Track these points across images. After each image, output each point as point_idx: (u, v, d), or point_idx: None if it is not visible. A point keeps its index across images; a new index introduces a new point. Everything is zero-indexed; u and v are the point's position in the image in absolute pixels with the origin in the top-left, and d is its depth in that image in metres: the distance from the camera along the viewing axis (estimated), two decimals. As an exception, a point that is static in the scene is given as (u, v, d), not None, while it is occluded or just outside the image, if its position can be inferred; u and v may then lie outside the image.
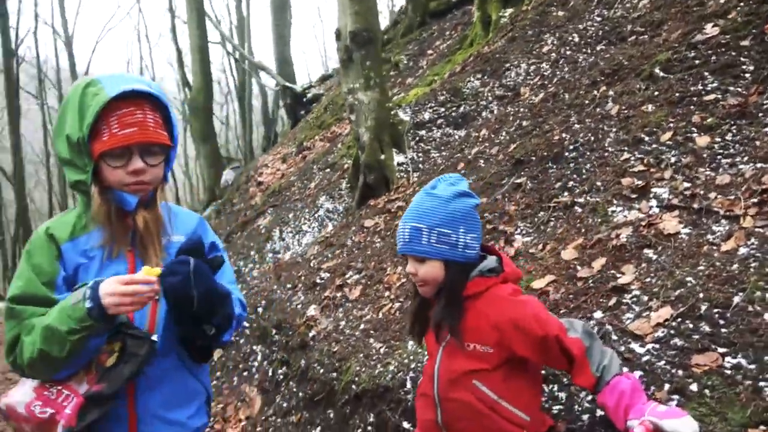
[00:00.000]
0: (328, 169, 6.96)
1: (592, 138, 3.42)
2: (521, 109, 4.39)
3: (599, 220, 2.82)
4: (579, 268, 2.57)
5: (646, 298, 2.16)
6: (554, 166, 3.48)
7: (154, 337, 1.44)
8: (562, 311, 2.36)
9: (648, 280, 2.25)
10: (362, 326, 3.29)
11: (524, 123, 4.17)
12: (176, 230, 1.62)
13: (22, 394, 1.39)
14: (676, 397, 1.71)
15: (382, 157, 5.45)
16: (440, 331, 1.64)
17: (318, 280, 4.24)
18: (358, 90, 5.54)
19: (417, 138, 5.50)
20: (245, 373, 4.11)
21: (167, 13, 15.52)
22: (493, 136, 4.45)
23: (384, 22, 13.99)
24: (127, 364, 1.39)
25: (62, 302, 1.38)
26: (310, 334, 3.58)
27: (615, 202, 2.87)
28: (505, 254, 1.74)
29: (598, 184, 3.07)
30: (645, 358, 1.89)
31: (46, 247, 1.47)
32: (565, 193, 3.21)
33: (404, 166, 5.37)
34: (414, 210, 1.62)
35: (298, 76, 19.56)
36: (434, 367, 1.64)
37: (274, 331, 4.06)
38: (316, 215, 6.00)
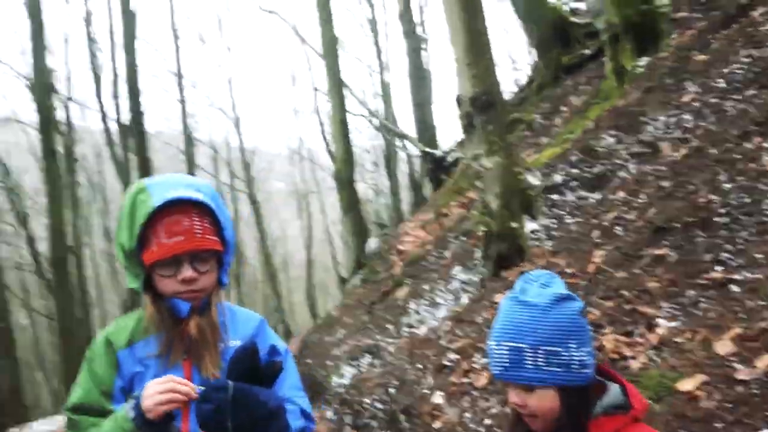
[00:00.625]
0: (464, 237, 6.82)
1: (747, 199, 2.94)
2: (661, 168, 3.94)
3: (762, 303, 2.36)
4: (738, 366, 2.13)
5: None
6: (702, 234, 3.03)
7: None
8: (717, 424, 1.95)
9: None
10: (486, 421, 3.05)
11: (665, 184, 3.73)
12: (234, 334, 1.58)
13: None
14: None
15: (513, 225, 5.21)
16: None
17: (446, 362, 4.06)
18: (481, 156, 5.41)
19: (550, 203, 5.19)
20: (376, 461, 3.99)
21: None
22: (630, 198, 4.04)
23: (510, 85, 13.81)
24: None
25: (115, 413, 1.39)
26: (435, 426, 3.39)
27: (780, 280, 2.39)
28: (627, 381, 1.34)
29: (759, 256, 2.60)
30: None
31: (104, 355, 1.49)
32: (718, 268, 2.75)
33: (537, 233, 5.06)
34: (506, 324, 1.29)
35: (442, 140, 19.95)
36: None
37: (402, 417, 3.92)
38: (450, 287, 5.85)
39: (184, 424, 1.46)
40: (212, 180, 25.51)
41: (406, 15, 14.67)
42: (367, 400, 4.76)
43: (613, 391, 1.29)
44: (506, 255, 5.22)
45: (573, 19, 9.16)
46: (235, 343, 1.56)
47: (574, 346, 1.24)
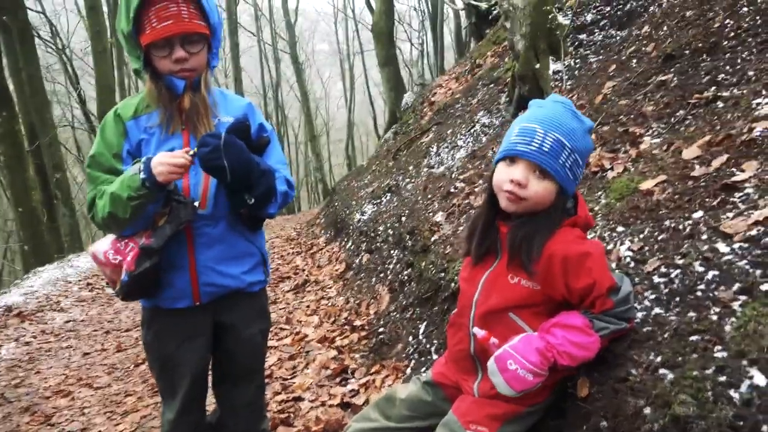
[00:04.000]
0: (492, 84, 6.76)
1: (759, 20, 2.84)
2: (689, -2, 3.76)
3: (738, 114, 2.40)
4: (697, 167, 2.24)
5: (756, 196, 1.84)
6: (708, 59, 2.98)
7: (196, 203, 1.68)
8: (661, 211, 2.10)
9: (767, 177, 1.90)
10: (475, 230, 3.29)
11: (688, 13, 3.59)
12: (226, 112, 1.81)
13: (103, 244, 1.73)
14: (742, 297, 1.47)
15: (537, 66, 5.13)
16: (491, 256, 1.55)
17: (452, 190, 4.27)
18: (512, -6, 5.21)
19: (576, 43, 5.06)
20: (381, 275, 4.38)
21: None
22: (653, 32, 3.92)
23: None
24: (170, 224, 1.65)
25: (123, 174, 1.66)
26: (432, 239, 3.68)
27: (764, 93, 2.40)
28: (582, 197, 1.58)
29: (750, 73, 2.59)
30: (726, 258, 1.64)
31: (113, 125, 1.75)
32: (712, 88, 2.75)
33: (560, 74, 5.00)
34: (557, 122, 1.44)
35: (490, -6, 18.79)
36: (473, 297, 1.57)
37: (407, 237, 4.24)
38: (472, 130, 5.93)
39: (185, 180, 1.74)
40: (255, 39, 25.14)
41: None
42: (381, 228, 5.10)
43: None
44: (527, 97, 5.20)
45: None
46: (226, 119, 1.79)
47: (582, 167, 1.49)
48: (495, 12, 13.52)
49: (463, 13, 19.14)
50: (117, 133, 1.74)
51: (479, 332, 1.49)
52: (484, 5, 13.67)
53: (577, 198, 1.53)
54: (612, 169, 2.73)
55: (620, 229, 2.16)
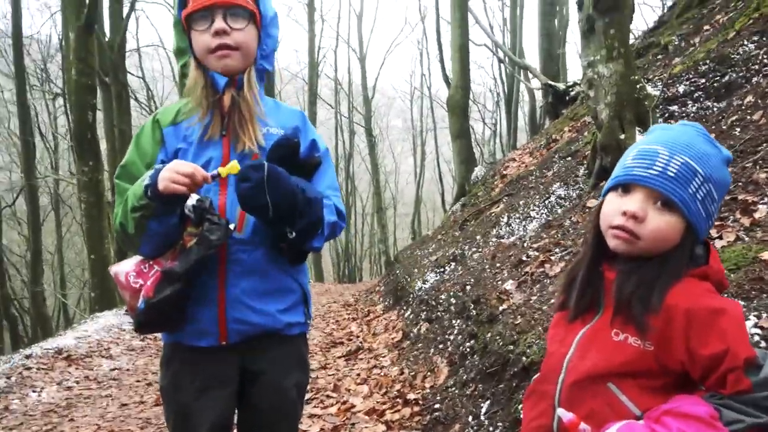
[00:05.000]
0: (569, 157, 6.46)
1: None
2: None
3: None
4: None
5: None
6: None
7: (231, 226, 1.44)
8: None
9: None
10: (552, 300, 2.91)
11: (803, 78, 3.24)
12: (276, 122, 1.59)
13: (127, 265, 1.50)
14: None
15: (622, 136, 4.81)
16: (591, 311, 1.21)
17: (524, 258, 3.92)
18: (598, 63, 4.99)
19: (667, 114, 4.72)
20: (440, 346, 4.00)
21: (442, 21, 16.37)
22: (759, 101, 3.56)
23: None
24: (199, 246, 1.40)
25: (138, 180, 1.45)
26: (500, 308, 3.31)
27: None
28: (714, 248, 1.22)
29: None
30: None
31: (151, 132, 1.56)
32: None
33: (647, 145, 4.65)
34: (686, 143, 1.14)
35: (571, 75, 18.79)
36: (564, 358, 1.22)
37: (471, 306, 3.88)
38: (546, 202, 5.60)
39: (222, 197, 1.52)
40: (332, 112, 26.13)
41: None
42: (443, 297, 4.76)
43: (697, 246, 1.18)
44: (609, 168, 4.86)
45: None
46: (276, 131, 1.58)
47: (717, 204, 1.17)
48: (572, 92, 13.41)
49: (538, 93, 19.19)
50: (153, 140, 1.55)
51: (565, 415, 1.13)
52: (561, 86, 13.60)
53: (708, 246, 1.19)
54: (721, 237, 2.34)
55: (741, 303, 1.76)
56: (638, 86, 5.07)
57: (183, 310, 1.46)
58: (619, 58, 4.98)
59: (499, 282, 3.78)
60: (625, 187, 1.16)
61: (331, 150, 27.75)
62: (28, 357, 5.14)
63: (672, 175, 1.11)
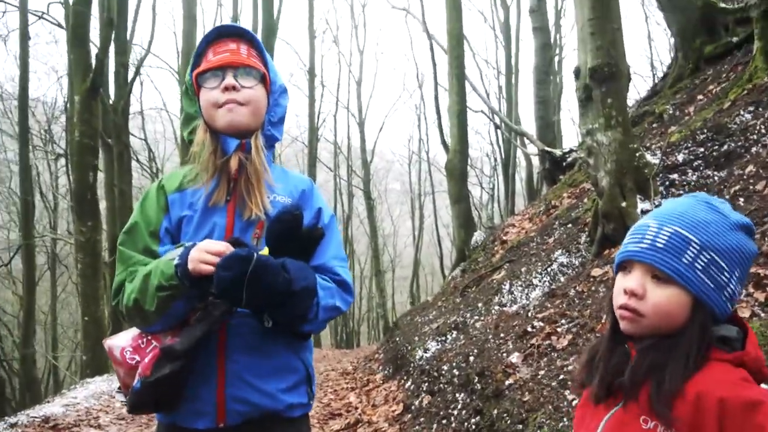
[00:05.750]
0: (570, 224, 6.44)
1: None
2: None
3: None
4: None
5: None
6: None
7: None
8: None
9: None
10: (561, 377, 2.80)
11: (805, 150, 3.25)
12: (283, 190, 1.55)
13: (123, 338, 1.42)
14: None
15: (623, 204, 4.80)
16: (618, 393, 1.12)
17: (529, 329, 3.81)
18: (597, 131, 5.06)
19: (667, 182, 4.73)
20: (444, 421, 3.83)
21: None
22: (761, 171, 3.56)
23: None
24: (201, 323, 1.33)
25: (163, 256, 1.40)
26: (507, 382, 3.19)
27: None
28: (752, 330, 1.14)
29: None
30: None
31: (155, 197, 1.52)
32: None
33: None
34: (681, 213, 1.11)
35: (567, 141, 19.11)
36: None
37: (476, 379, 3.74)
38: (548, 269, 5.53)
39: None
40: (331, 174, 26.43)
41: (538, 10, 14.25)
42: (446, 368, 4.61)
43: (729, 327, 1.10)
44: (612, 235, 4.83)
45: (722, 4, 8.33)
46: (282, 198, 1.53)
47: (737, 276, 1.10)
48: (569, 158, 13.60)
49: (535, 160, 19.45)
50: (158, 206, 1.50)
51: None
52: (558, 152, 13.80)
53: (745, 329, 1.12)
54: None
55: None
56: (637, 154, 5.12)
57: (181, 389, 1.37)
58: (617, 127, 5.05)
59: (504, 354, 3.66)
60: (625, 265, 1.14)
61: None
62: (13, 426, 4.91)
63: (661, 246, 1.08)
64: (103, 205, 12.91)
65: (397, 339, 7.66)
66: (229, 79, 1.48)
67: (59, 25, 14.03)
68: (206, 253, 1.31)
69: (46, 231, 20.60)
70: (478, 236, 11.52)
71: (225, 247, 1.32)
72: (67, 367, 21.21)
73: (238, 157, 1.49)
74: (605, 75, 5.03)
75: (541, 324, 3.76)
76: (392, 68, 52.56)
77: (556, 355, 3.15)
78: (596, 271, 4.11)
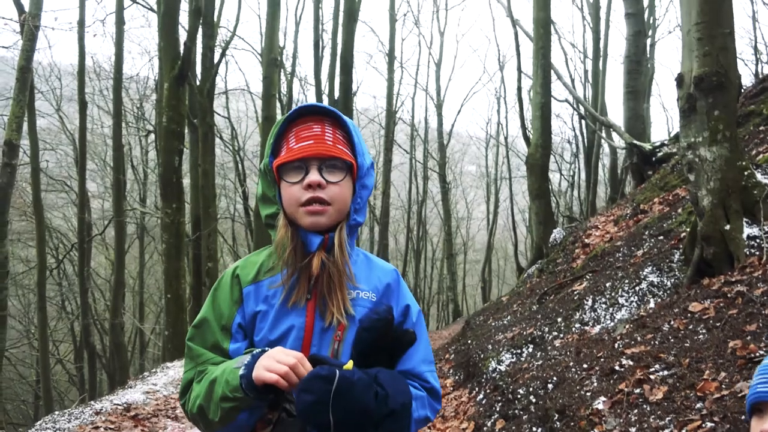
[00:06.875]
0: (661, 237, 6.01)
1: None
2: None
3: None
4: None
5: None
6: None
7: None
8: None
9: None
10: (655, 440, 2.58)
11: None
12: (367, 284, 1.41)
13: None
14: None
15: (727, 227, 4.39)
16: None
17: (617, 367, 3.57)
18: (700, 145, 4.63)
19: (781, 207, 4.27)
20: (519, 455, 3.68)
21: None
22: None
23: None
24: None
25: (231, 361, 1.30)
26: (591, 432, 2.99)
27: None
28: None
29: None
30: None
31: (229, 290, 1.41)
32: None
33: (757, 241, 4.21)
34: None
35: (657, 134, 18.03)
36: None
37: (556, 416, 3.55)
38: (636, 288, 5.19)
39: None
40: (407, 156, 26.30)
41: (632, -7, 13.33)
42: (521, 391, 4.43)
43: None
44: (712, 260, 4.44)
45: None
46: (366, 294, 1.40)
47: None
48: (660, 153, 12.79)
49: (621, 152, 18.47)
50: (231, 299, 1.39)
51: None
52: (648, 146, 13.00)
53: None
54: None
55: None
56: (746, 173, 4.67)
57: None
58: (724, 142, 4.61)
59: (588, 393, 3.45)
60: (760, 407, 1.10)
61: (404, 195, 27.90)
62: (97, 413, 5.19)
63: None
64: (186, 181, 13.44)
65: (470, 342, 7.51)
66: (314, 175, 1.34)
67: (152, 9, 14.56)
68: (276, 362, 1.19)
69: (136, 203, 21.82)
70: (557, 233, 11.10)
71: (297, 360, 1.19)
72: (151, 331, 22.60)
73: (320, 257, 1.36)
74: (713, 85, 4.58)
75: (631, 363, 3.51)
76: (473, 50, 51.15)
77: (648, 409, 2.91)
78: (695, 306, 3.78)
